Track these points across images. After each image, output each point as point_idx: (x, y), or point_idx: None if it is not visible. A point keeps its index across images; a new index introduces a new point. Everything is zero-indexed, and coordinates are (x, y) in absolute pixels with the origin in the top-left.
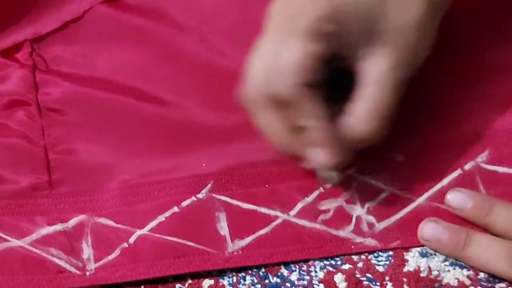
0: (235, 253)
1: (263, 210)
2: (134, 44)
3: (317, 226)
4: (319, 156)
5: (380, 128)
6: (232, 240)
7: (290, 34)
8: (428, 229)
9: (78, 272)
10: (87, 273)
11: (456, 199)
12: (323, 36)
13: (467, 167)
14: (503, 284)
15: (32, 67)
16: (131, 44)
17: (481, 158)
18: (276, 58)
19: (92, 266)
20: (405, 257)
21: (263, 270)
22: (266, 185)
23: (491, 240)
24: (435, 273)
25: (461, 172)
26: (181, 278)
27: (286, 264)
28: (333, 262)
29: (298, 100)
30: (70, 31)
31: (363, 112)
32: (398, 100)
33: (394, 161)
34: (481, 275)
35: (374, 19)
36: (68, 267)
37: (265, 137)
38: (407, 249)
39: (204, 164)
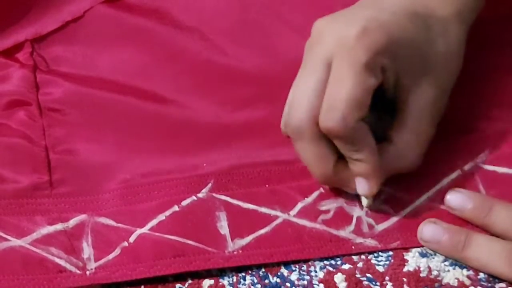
0: (235, 253)
1: (264, 210)
2: (135, 44)
3: (317, 226)
4: (364, 186)
5: (421, 158)
6: (232, 240)
7: (344, 66)
8: (428, 230)
9: (78, 271)
10: (87, 273)
11: (456, 199)
12: (380, 69)
13: (467, 167)
14: (503, 284)
15: (33, 67)
16: (131, 44)
17: (481, 158)
18: (332, 91)
19: (92, 265)
20: (405, 257)
21: (263, 270)
22: (267, 185)
23: (491, 241)
24: (435, 273)
25: (460, 172)
26: (181, 278)
27: (286, 264)
28: (333, 262)
29: (352, 135)
30: (71, 31)
31: (407, 144)
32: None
33: None
34: (481, 275)
35: (422, 46)
36: (68, 266)
37: (307, 167)
38: (407, 249)
39: (204, 164)
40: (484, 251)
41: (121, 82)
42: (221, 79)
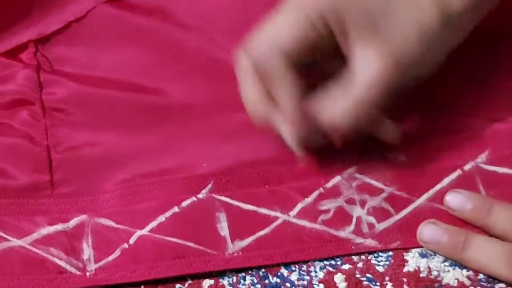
0: (235, 254)
1: (263, 210)
2: (138, 44)
3: (317, 226)
4: (285, 133)
5: (354, 126)
6: (232, 241)
7: (294, 7)
8: (427, 231)
9: (78, 272)
10: (87, 274)
11: (455, 200)
12: (320, 19)
13: (467, 167)
14: (502, 285)
15: (37, 67)
16: (134, 44)
17: (481, 158)
18: (274, 24)
19: (92, 266)
20: (405, 257)
21: (263, 270)
22: (266, 186)
23: (490, 242)
24: (435, 273)
25: (461, 172)
26: (181, 278)
27: (286, 264)
28: (333, 262)
29: (276, 70)
30: (74, 31)
31: (341, 108)
32: (382, 104)
33: (394, 161)
34: (481, 275)
35: (377, 15)
36: (68, 267)
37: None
38: (407, 249)
39: (204, 164)
40: (483, 252)
41: (124, 82)
42: (223, 78)
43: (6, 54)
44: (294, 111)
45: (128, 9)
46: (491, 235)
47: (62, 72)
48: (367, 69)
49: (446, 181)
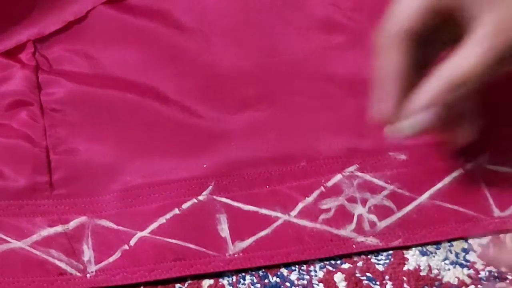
0: (236, 255)
1: (264, 211)
2: (137, 45)
3: (318, 225)
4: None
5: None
6: (233, 242)
7: None
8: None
9: (78, 274)
10: (88, 276)
11: None
12: None
13: (469, 166)
14: (503, 284)
15: (35, 68)
16: (134, 45)
17: (483, 158)
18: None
19: (92, 268)
20: (405, 256)
21: (262, 269)
22: (267, 186)
23: None
24: (435, 271)
25: (462, 171)
26: (181, 278)
27: (286, 264)
28: (332, 261)
29: (390, 44)
30: (73, 31)
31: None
32: (488, 71)
33: (396, 159)
34: (482, 274)
35: None
36: (68, 269)
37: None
38: (407, 247)
39: (205, 165)
40: None
41: (123, 83)
42: (222, 79)
43: (4, 54)
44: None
45: (128, 10)
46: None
47: (61, 72)
48: (481, 32)
49: (448, 179)
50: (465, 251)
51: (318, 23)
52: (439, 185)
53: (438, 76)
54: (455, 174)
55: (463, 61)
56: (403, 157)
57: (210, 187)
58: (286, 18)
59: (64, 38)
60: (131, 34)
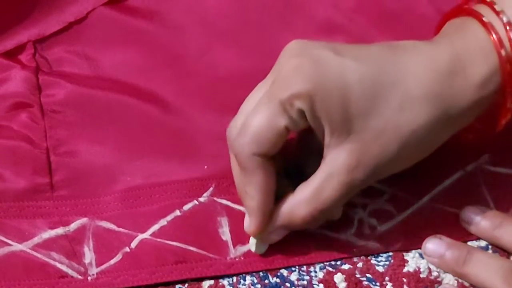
0: (237, 259)
1: None
2: (137, 46)
3: (318, 230)
4: (246, 222)
5: (314, 220)
6: (234, 246)
7: (268, 98)
8: (431, 245)
9: (79, 277)
10: (89, 278)
11: (469, 213)
12: (297, 112)
13: (469, 168)
14: None
15: (35, 69)
16: (134, 46)
17: (484, 159)
18: (248, 118)
19: (93, 270)
20: (405, 258)
21: (263, 270)
22: None
23: (490, 258)
24: (435, 274)
25: (463, 173)
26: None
27: None
28: (332, 262)
29: (246, 167)
30: (73, 32)
31: (302, 200)
32: (344, 200)
33: None
34: None
35: (357, 113)
36: (70, 271)
37: None
38: (407, 249)
39: (205, 167)
40: (483, 267)
41: (123, 84)
42: (222, 81)
43: (4, 55)
44: (257, 209)
45: (128, 12)
46: (501, 248)
47: (61, 73)
48: (334, 164)
49: (448, 181)
50: None
51: (319, 25)
52: (440, 188)
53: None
54: (455, 176)
55: (319, 195)
56: None
57: (211, 188)
58: (286, 19)
59: (64, 39)
60: (131, 35)
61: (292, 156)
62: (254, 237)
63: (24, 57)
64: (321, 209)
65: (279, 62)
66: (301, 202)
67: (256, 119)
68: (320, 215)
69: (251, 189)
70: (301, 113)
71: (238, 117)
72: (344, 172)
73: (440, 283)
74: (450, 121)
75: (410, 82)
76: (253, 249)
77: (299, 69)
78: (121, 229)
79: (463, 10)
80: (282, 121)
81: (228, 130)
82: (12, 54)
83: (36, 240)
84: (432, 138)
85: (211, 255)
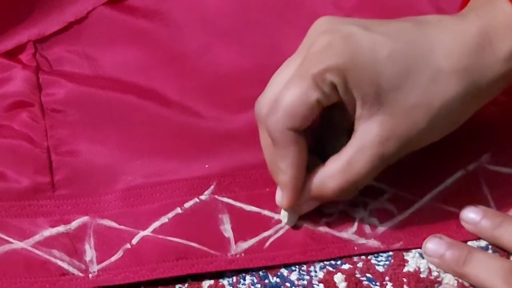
0: (238, 256)
1: (266, 212)
2: (138, 45)
3: (319, 228)
4: (278, 196)
5: (345, 192)
6: (236, 243)
7: (300, 73)
8: (431, 244)
9: (81, 274)
10: (90, 275)
11: (469, 213)
12: (329, 86)
13: (471, 167)
14: None
15: (36, 68)
16: (134, 45)
17: (485, 158)
18: (281, 94)
19: (95, 268)
20: (405, 258)
21: (263, 270)
22: (267, 188)
23: (491, 258)
24: (435, 273)
25: (464, 172)
26: (181, 279)
27: (286, 264)
28: (333, 262)
29: (279, 142)
30: (74, 32)
31: (334, 172)
32: (375, 173)
33: (396, 162)
34: None
35: (385, 89)
36: (71, 269)
37: None
38: (407, 249)
39: (206, 165)
40: (483, 267)
41: (124, 83)
42: (223, 79)
43: (5, 55)
44: (290, 183)
45: (128, 11)
46: (501, 248)
47: (61, 72)
48: (365, 137)
49: (449, 181)
50: None
51: None
52: (441, 187)
53: (330, 178)
54: (456, 175)
55: (351, 167)
56: (403, 159)
57: (212, 186)
58: (287, 18)
59: (65, 38)
60: (132, 35)
61: (314, 135)
62: (286, 210)
63: (24, 56)
64: (353, 181)
65: (308, 38)
66: (332, 174)
67: (288, 94)
68: (351, 187)
69: (284, 163)
70: (333, 87)
71: (267, 94)
72: (376, 144)
73: (440, 283)
74: (478, 94)
75: (439, 56)
76: (284, 221)
77: (330, 45)
78: (122, 227)
79: None
80: (314, 95)
81: (258, 108)
82: (13, 54)
83: (37, 238)
84: (461, 111)
85: (212, 252)
